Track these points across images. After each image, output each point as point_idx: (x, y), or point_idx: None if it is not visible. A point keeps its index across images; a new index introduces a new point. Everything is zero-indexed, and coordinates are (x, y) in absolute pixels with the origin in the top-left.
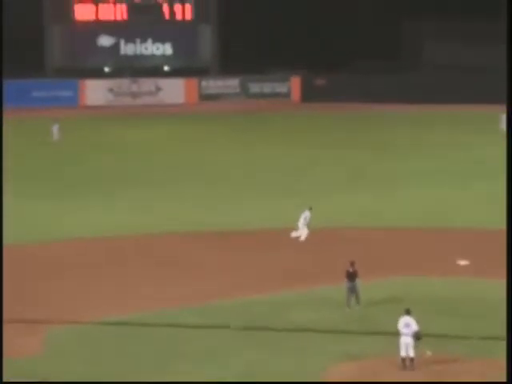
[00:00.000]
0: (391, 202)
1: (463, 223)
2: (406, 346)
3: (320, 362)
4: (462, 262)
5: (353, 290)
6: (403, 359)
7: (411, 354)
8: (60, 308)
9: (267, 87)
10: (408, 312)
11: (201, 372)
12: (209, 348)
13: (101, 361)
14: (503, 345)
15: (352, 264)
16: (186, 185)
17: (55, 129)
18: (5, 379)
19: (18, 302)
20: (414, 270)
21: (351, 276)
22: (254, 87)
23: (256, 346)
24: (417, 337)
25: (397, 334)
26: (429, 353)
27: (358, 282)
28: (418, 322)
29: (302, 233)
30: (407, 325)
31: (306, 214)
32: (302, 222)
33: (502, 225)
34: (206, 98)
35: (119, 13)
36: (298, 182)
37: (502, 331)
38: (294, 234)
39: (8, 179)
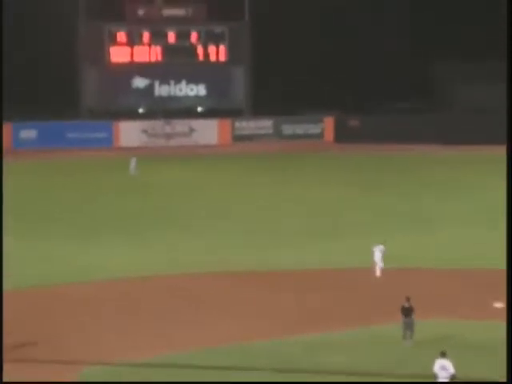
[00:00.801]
0: (428, 243)
1: (499, 265)
2: None
3: None
4: (498, 305)
5: (408, 326)
6: None
7: None
8: (92, 349)
9: (300, 128)
10: (444, 354)
11: None
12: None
13: None
14: None
15: (407, 299)
16: (222, 224)
17: (133, 162)
18: None
19: (48, 344)
20: (449, 313)
21: (407, 311)
22: (288, 128)
23: None
24: (453, 379)
25: (433, 377)
26: None
27: (414, 317)
28: (454, 365)
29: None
30: (443, 367)
31: (381, 248)
32: (377, 257)
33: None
34: (239, 138)
35: (154, 54)
36: (333, 223)
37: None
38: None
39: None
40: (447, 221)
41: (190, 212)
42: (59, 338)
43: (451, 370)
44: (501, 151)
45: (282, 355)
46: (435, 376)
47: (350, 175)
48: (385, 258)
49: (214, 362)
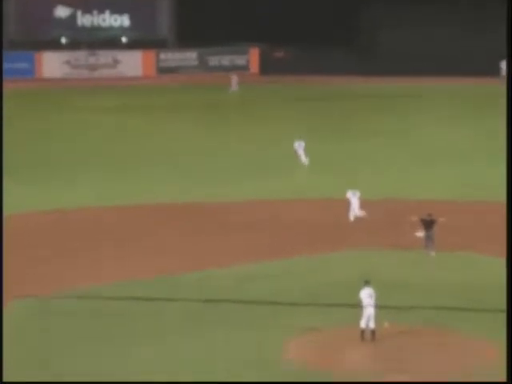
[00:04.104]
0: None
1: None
2: (368, 318)
3: (280, 336)
4: (419, 234)
5: (430, 237)
6: (362, 331)
7: (372, 325)
8: (23, 280)
9: (225, 60)
10: (368, 282)
11: (160, 349)
12: (168, 323)
13: (62, 336)
14: (459, 315)
15: (429, 214)
16: (147, 159)
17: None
18: None
19: None
20: (373, 242)
21: (429, 224)
22: (213, 60)
23: (216, 319)
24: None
25: (356, 306)
26: (386, 324)
27: (435, 230)
28: (378, 293)
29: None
30: (370, 295)
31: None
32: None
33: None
34: (164, 70)
35: None
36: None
37: (464, 303)
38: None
39: None
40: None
41: (115, 149)
42: None
43: (375, 295)
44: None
45: (210, 287)
46: (360, 302)
47: (279, 108)
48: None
49: (141, 294)
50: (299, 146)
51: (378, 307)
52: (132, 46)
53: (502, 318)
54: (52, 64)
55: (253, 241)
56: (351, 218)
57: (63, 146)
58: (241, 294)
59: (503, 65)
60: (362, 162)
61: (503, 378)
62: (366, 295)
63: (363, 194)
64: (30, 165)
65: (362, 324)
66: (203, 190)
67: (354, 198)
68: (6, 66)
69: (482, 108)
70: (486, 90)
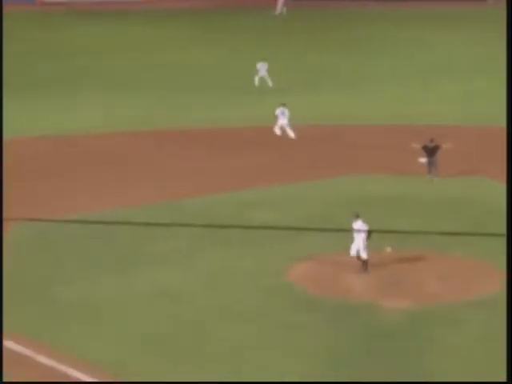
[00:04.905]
0: (363, 102)
1: (426, 121)
2: (358, 249)
3: (281, 260)
4: (422, 160)
5: (433, 163)
6: (356, 258)
7: (364, 256)
8: (23, 206)
9: None
10: (358, 216)
11: (162, 273)
12: (171, 248)
13: (63, 261)
14: (461, 240)
15: (432, 140)
16: (149, 82)
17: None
18: None
19: None
20: (376, 168)
21: (432, 151)
22: None
23: (219, 245)
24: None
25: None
26: (389, 249)
27: (438, 156)
28: (381, 218)
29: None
30: (359, 228)
31: (283, 110)
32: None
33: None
34: None
35: None
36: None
37: (467, 227)
38: (278, 131)
39: None
40: (382, 79)
41: (121, 69)
42: None
43: (365, 227)
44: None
45: (212, 213)
46: (353, 231)
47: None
48: (315, 116)
49: (144, 219)
50: (262, 67)
51: (381, 232)
52: None
53: (503, 242)
54: None
55: (257, 164)
56: (277, 131)
57: (63, 64)
58: (242, 219)
59: None
60: (366, 79)
61: (503, 305)
62: (356, 228)
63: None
64: (30, 86)
65: (352, 252)
66: (216, 113)
67: (282, 117)
68: None
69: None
70: (488, 13)
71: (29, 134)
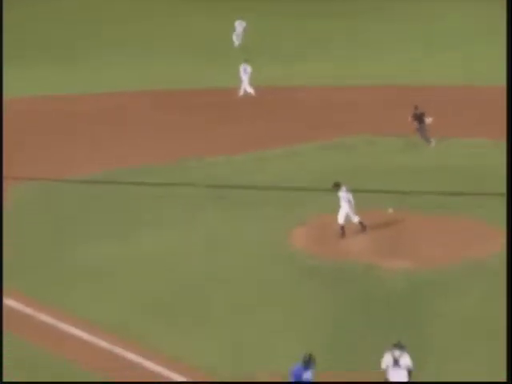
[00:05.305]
0: (364, 63)
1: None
2: (346, 216)
3: (281, 223)
4: (428, 120)
5: (423, 129)
6: (342, 227)
7: (355, 220)
8: (27, 164)
9: None
10: (338, 185)
11: (164, 234)
12: (172, 209)
13: (65, 221)
14: (463, 201)
15: (416, 107)
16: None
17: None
18: None
19: None
20: (378, 128)
21: (419, 117)
22: None
23: (220, 206)
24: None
25: (361, 190)
26: (391, 210)
27: (426, 122)
28: (382, 180)
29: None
30: (343, 196)
31: (245, 67)
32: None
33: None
34: None
35: None
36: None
37: (469, 188)
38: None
39: None
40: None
41: (122, 33)
42: None
43: (349, 194)
44: None
45: (214, 174)
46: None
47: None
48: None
49: (146, 179)
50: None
51: (382, 192)
52: None
53: (503, 201)
54: None
55: (256, 126)
56: (241, 92)
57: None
58: (244, 180)
59: None
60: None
61: (503, 266)
62: (340, 196)
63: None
64: (32, 47)
65: (340, 220)
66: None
67: (244, 74)
68: None
69: None
70: None
71: (29, 94)
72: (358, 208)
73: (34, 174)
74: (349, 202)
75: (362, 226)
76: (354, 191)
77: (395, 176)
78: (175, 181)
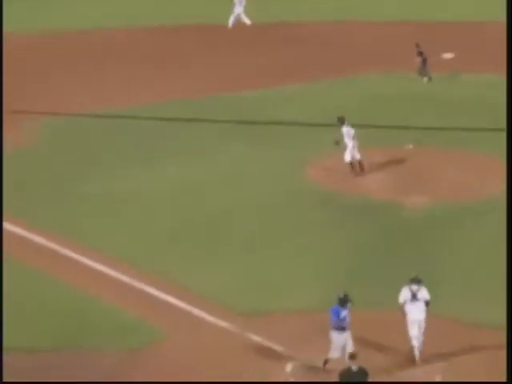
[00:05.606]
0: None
1: (451, 17)
2: (351, 152)
3: (302, 158)
4: (447, 55)
5: (426, 65)
6: (350, 163)
7: (358, 156)
8: (55, 100)
9: None
10: (342, 120)
11: (188, 169)
12: (194, 143)
13: (91, 152)
14: (485, 136)
15: (417, 45)
16: None
17: None
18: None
19: (15, 95)
20: (394, 64)
21: (422, 54)
22: None
23: (242, 141)
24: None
25: (371, 126)
26: (410, 146)
27: (429, 64)
28: (399, 116)
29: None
30: (347, 132)
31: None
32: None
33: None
34: None
35: None
36: None
37: (486, 123)
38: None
39: None
40: None
41: None
42: (22, 87)
43: (352, 130)
44: None
45: (240, 109)
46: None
47: None
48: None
49: (176, 114)
50: (239, 2)
51: (401, 128)
52: None
53: None
54: None
55: (289, 60)
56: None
57: None
58: (266, 115)
59: None
60: None
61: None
62: (344, 132)
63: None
64: None
65: (347, 158)
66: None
67: (239, 5)
68: None
69: None
70: None
71: (33, 29)
72: (376, 144)
73: (52, 109)
74: (352, 138)
75: (361, 166)
76: (372, 127)
77: (412, 112)
78: (196, 115)
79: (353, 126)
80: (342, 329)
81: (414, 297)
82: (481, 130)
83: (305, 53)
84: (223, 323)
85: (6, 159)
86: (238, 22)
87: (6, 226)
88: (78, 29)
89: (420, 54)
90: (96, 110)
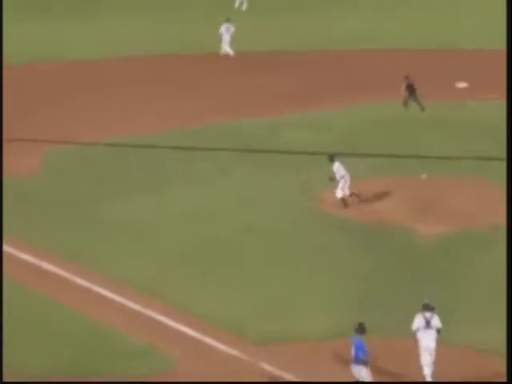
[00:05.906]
0: (389, 22)
1: (464, 45)
2: (343, 187)
3: (312, 184)
4: (461, 84)
5: (415, 96)
6: (342, 198)
7: (347, 192)
8: (59, 128)
9: None
10: (333, 159)
11: (194, 193)
12: (203, 170)
13: (97, 182)
14: (498, 165)
15: (407, 77)
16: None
17: None
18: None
19: (19, 122)
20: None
21: (411, 87)
22: None
23: (250, 166)
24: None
25: (383, 155)
26: (424, 176)
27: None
28: (412, 143)
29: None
30: (337, 169)
31: (228, 27)
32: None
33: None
34: None
35: None
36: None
37: (499, 153)
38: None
39: None
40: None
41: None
42: (26, 115)
43: (342, 170)
44: None
45: (247, 135)
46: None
47: None
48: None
49: (180, 143)
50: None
51: (415, 158)
52: None
53: None
54: None
55: (290, 86)
56: (223, 50)
57: None
58: (274, 142)
59: None
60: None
61: None
62: (335, 169)
63: None
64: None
65: (338, 195)
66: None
67: (226, 34)
68: None
69: None
70: None
71: (46, 59)
72: (392, 174)
73: (63, 138)
74: (343, 175)
75: (356, 195)
76: (386, 156)
77: (427, 139)
78: (204, 143)
79: (363, 155)
80: (366, 363)
81: (428, 324)
82: (493, 159)
83: (307, 79)
84: (234, 351)
85: (11, 185)
86: (237, 50)
87: (17, 253)
88: (78, 58)
89: (409, 86)
90: (100, 139)
